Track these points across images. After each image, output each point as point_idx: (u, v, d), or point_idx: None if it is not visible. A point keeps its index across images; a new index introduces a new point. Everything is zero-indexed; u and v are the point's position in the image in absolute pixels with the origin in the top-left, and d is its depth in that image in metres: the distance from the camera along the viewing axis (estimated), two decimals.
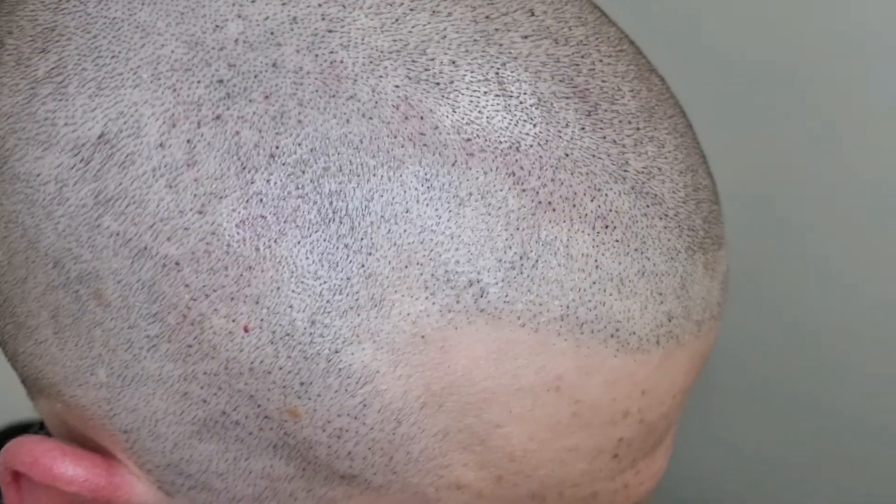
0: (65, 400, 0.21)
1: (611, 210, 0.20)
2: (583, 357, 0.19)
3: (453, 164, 0.18)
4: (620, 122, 0.20)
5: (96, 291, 0.19)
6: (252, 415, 0.19)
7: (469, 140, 0.19)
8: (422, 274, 0.18)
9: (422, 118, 0.18)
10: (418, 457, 0.20)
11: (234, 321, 0.18)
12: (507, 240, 0.19)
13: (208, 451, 0.20)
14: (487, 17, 0.20)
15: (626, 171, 0.20)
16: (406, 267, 0.18)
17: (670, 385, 0.21)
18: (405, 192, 0.18)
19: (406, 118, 0.18)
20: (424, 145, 0.18)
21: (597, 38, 0.21)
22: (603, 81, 0.20)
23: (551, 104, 0.19)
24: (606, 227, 0.19)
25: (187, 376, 0.19)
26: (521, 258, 0.19)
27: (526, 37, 0.20)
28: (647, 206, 0.20)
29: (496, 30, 0.20)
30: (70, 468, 0.21)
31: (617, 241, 0.20)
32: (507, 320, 0.19)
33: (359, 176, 0.18)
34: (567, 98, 0.20)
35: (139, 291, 0.19)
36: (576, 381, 0.20)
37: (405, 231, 0.18)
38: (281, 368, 0.19)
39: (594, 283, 0.19)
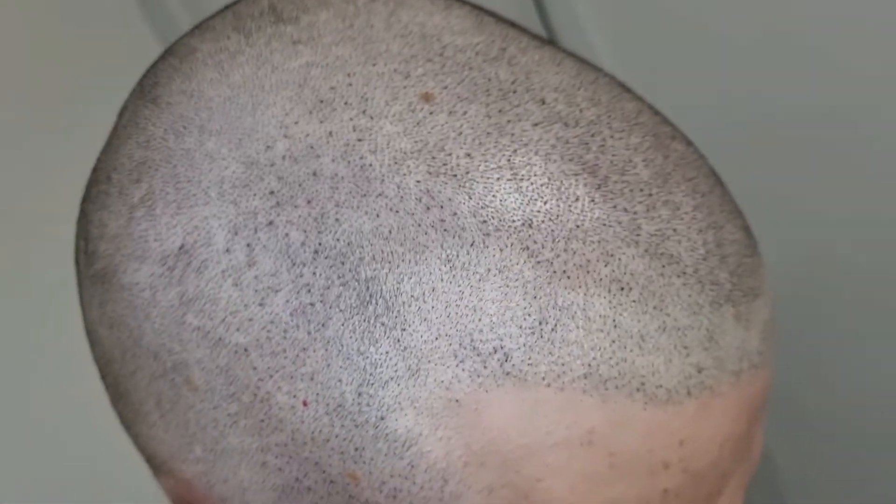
0: (175, 475, 0.24)
1: (625, 273, 0.21)
2: (611, 411, 0.21)
3: (472, 245, 0.21)
4: (631, 191, 0.22)
5: (187, 378, 0.22)
6: (320, 480, 0.22)
7: (485, 222, 0.21)
8: (450, 344, 0.20)
9: (441, 207, 0.21)
10: None
11: (294, 397, 0.21)
12: (525, 308, 0.21)
13: None
14: (500, 110, 0.22)
15: (638, 235, 0.21)
16: (436, 339, 0.20)
17: (713, 433, 0.22)
18: (430, 273, 0.21)
19: (428, 208, 0.21)
20: (445, 230, 0.21)
21: (609, 116, 0.23)
22: (613, 156, 0.22)
23: (561, 182, 0.21)
24: (622, 289, 0.21)
25: (263, 448, 0.22)
26: (540, 324, 0.21)
27: (536, 124, 0.22)
28: (663, 267, 0.22)
29: (508, 121, 0.22)
30: None
31: (634, 301, 0.21)
32: (533, 381, 0.21)
33: (390, 262, 0.21)
34: (577, 175, 0.22)
35: (219, 376, 0.22)
36: (608, 433, 0.21)
37: (433, 307, 0.21)
38: (337, 436, 0.21)
39: (613, 341, 0.21)
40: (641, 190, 0.22)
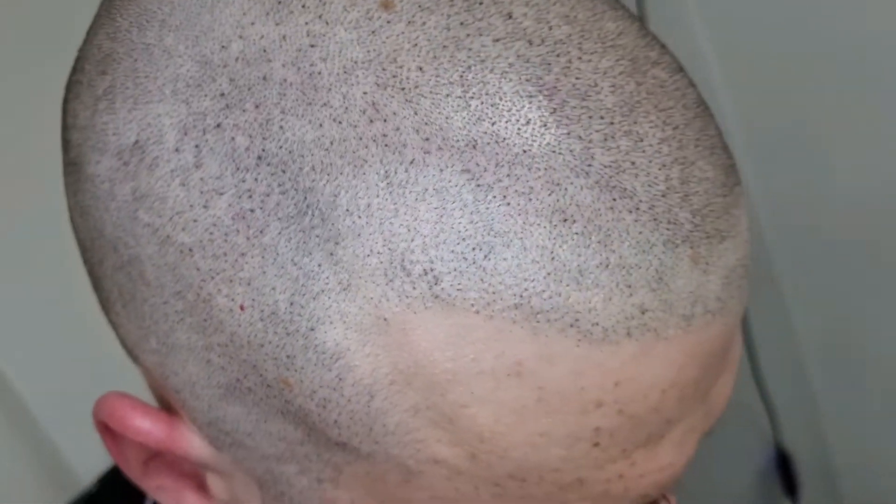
0: (140, 363, 0.25)
1: (570, 203, 0.20)
2: (542, 345, 0.20)
3: (411, 162, 0.20)
4: (590, 117, 0.21)
5: (140, 273, 0.23)
6: (258, 383, 0.22)
7: (428, 139, 0.20)
8: (381, 262, 0.20)
9: (385, 121, 0.20)
10: (394, 430, 0.22)
11: (233, 300, 0.21)
12: (460, 232, 0.20)
13: (235, 412, 0.23)
14: (462, 23, 0.21)
15: (590, 165, 0.20)
16: (368, 255, 0.20)
17: (655, 378, 0.22)
18: (367, 188, 0.20)
19: (371, 121, 0.20)
20: (386, 145, 0.20)
21: (581, 36, 0.22)
22: (577, 79, 0.21)
23: (513, 103, 0.20)
24: (565, 220, 0.20)
25: (207, 346, 0.22)
26: (473, 249, 0.20)
27: (497, 40, 0.21)
28: (614, 200, 0.21)
29: (467, 35, 0.21)
30: (138, 421, 0.25)
31: (576, 233, 0.20)
32: (462, 307, 0.20)
33: (328, 174, 0.20)
34: (531, 97, 0.21)
35: (167, 273, 0.22)
36: (537, 367, 0.21)
37: (366, 223, 0.20)
38: (270, 343, 0.21)
39: (549, 273, 0.20)
40: (602, 117, 0.21)
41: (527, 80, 0.21)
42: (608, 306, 0.21)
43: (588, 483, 0.23)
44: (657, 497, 0.25)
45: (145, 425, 0.25)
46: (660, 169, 0.21)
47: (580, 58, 0.21)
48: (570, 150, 0.20)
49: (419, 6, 0.21)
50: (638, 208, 0.21)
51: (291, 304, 0.21)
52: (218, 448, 0.25)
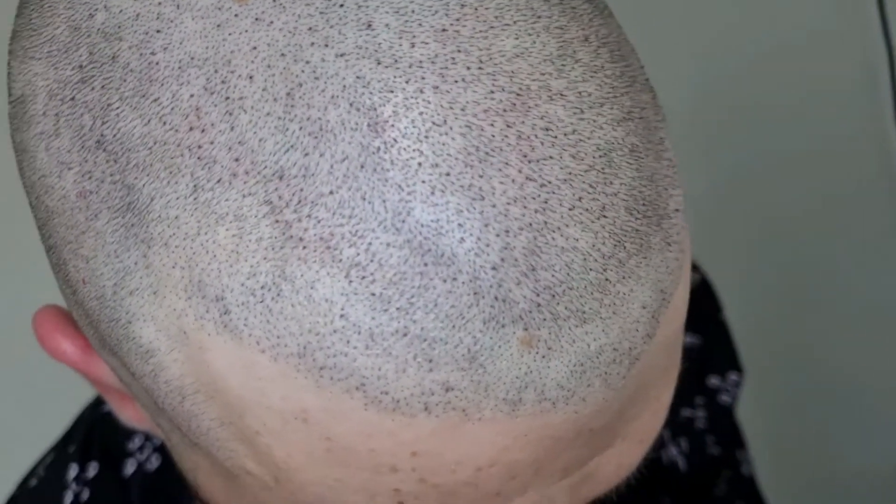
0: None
1: (372, 260, 0.18)
2: (326, 399, 0.19)
3: (218, 181, 0.19)
4: (420, 164, 0.18)
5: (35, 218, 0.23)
6: (108, 352, 0.23)
7: (237, 160, 0.18)
8: (183, 277, 0.19)
9: (203, 131, 0.19)
10: (207, 433, 0.21)
11: (78, 273, 0.21)
12: (252, 266, 0.18)
13: (111, 363, 0.24)
14: (311, 28, 0.18)
15: (403, 221, 0.18)
16: (173, 267, 0.19)
17: (464, 456, 0.19)
18: (178, 198, 0.19)
19: (191, 129, 0.19)
20: (199, 158, 0.19)
21: (450, 59, 0.18)
22: (420, 114, 0.18)
23: (334, 135, 0.18)
24: (363, 277, 0.18)
25: (74, 303, 0.23)
26: (262, 288, 0.18)
27: (341, 55, 0.18)
28: (425, 266, 0.18)
29: (312, 44, 0.18)
30: (60, 343, 0.26)
31: (373, 294, 0.18)
32: (248, 343, 0.19)
33: (148, 175, 0.19)
34: (354, 130, 0.18)
35: (42, 227, 0.23)
36: (323, 419, 0.19)
37: (173, 235, 0.19)
38: (102, 322, 0.21)
39: (336, 331, 0.18)
40: (436, 165, 0.18)
41: (356, 109, 0.18)
42: (401, 377, 0.18)
43: None
44: None
45: (66, 348, 0.26)
46: (497, 235, 0.18)
47: (436, 87, 0.18)
48: (383, 200, 0.18)
49: (275, 0, 0.19)
50: (455, 278, 0.18)
51: (114, 293, 0.21)
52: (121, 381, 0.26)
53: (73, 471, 0.38)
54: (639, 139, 0.20)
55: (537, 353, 0.19)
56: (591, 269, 0.19)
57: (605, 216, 0.19)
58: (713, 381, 0.48)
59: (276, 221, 0.18)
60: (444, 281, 0.18)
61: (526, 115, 0.18)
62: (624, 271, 0.19)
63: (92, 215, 0.20)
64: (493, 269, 0.18)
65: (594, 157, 0.19)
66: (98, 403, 0.40)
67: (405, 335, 0.18)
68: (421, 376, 0.18)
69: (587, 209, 0.19)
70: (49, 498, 0.38)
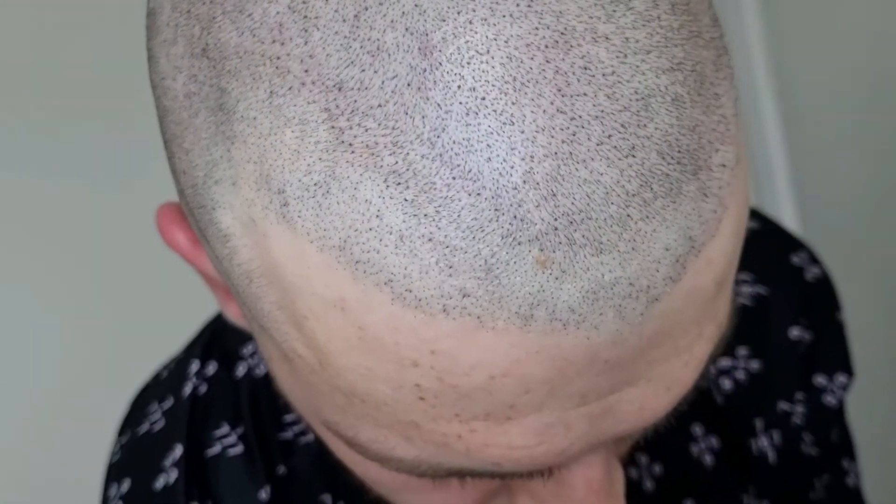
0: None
1: (408, 169, 0.20)
2: (360, 290, 0.21)
3: (289, 89, 0.21)
4: (459, 87, 0.20)
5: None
6: (203, 238, 0.26)
7: (307, 71, 0.21)
8: (255, 171, 0.22)
9: (283, 44, 0.21)
10: (268, 316, 0.24)
11: (180, 163, 0.25)
12: (309, 165, 0.21)
13: (209, 252, 0.27)
14: None
15: (438, 136, 0.20)
16: (248, 162, 0.22)
17: (478, 361, 0.21)
18: (258, 101, 0.22)
19: (273, 41, 0.21)
20: (276, 67, 0.21)
21: None
22: (466, 42, 0.20)
23: (389, 54, 0.20)
24: (399, 183, 0.20)
25: (180, 199, 0.26)
26: (315, 185, 0.21)
27: None
28: (454, 179, 0.20)
29: None
30: (176, 235, 0.30)
31: (406, 200, 0.20)
32: (301, 233, 0.21)
33: (237, 80, 0.22)
34: (406, 51, 0.20)
35: (161, 124, 0.26)
36: (358, 308, 0.21)
37: (251, 133, 0.22)
38: (195, 208, 0.25)
39: (371, 229, 0.20)
40: (473, 89, 0.20)
41: (410, 33, 0.20)
42: (424, 278, 0.20)
43: (424, 429, 0.23)
44: (525, 470, 0.24)
45: (179, 239, 0.30)
46: (522, 159, 0.20)
47: (485, 20, 0.20)
48: (423, 116, 0.20)
49: None
50: (479, 193, 0.20)
51: (204, 182, 0.24)
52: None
53: (194, 366, 0.43)
54: (685, 90, 0.21)
55: (550, 273, 0.20)
56: (612, 203, 0.20)
57: (633, 156, 0.20)
58: (819, 379, 0.47)
59: (332, 127, 0.21)
60: (469, 195, 0.20)
61: (567, 53, 0.20)
62: (648, 211, 0.20)
63: (193, 113, 0.24)
64: (515, 189, 0.20)
65: (630, 100, 0.20)
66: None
67: (430, 240, 0.20)
68: (441, 279, 0.20)
69: (615, 146, 0.20)
70: (172, 387, 0.43)
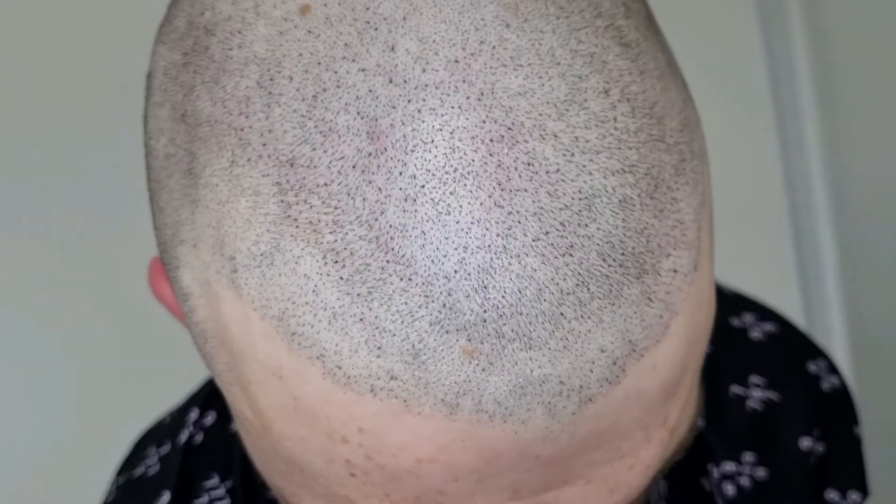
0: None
1: (345, 248, 0.20)
2: (295, 362, 0.21)
3: (248, 160, 0.22)
4: (401, 173, 0.20)
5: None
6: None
7: (265, 145, 0.22)
8: (212, 236, 0.23)
9: (247, 117, 0.22)
10: (220, 374, 0.25)
11: (156, 220, 0.26)
12: (258, 235, 0.22)
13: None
14: (346, 44, 0.21)
15: (376, 220, 0.20)
16: (207, 226, 0.23)
17: (405, 444, 0.21)
18: (220, 170, 0.22)
19: (239, 113, 0.22)
20: (239, 139, 0.22)
21: (453, 87, 0.20)
22: (412, 130, 0.20)
23: (339, 136, 0.21)
24: (336, 261, 0.20)
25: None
26: (261, 255, 0.21)
27: (362, 69, 0.21)
28: (387, 262, 0.20)
29: (343, 57, 0.21)
30: (164, 289, 0.31)
31: (341, 278, 0.20)
32: (246, 300, 0.22)
33: (206, 147, 0.23)
34: (355, 135, 0.20)
35: (147, 182, 0.27)
36: (293, 378, 0.22)
37: (212, 199, 0.23)
38: (165, 264, 0.25)
39: (308, 303, 0.21)
40: (414, 177, 0.20)
41: (361, 117, 0.21)
42: (353, 357, 0.21)
43: None
44: None
45: (165, 293, 0.30)
46: (455, 249, 0.20)
47: (433, 109, 0.20)
48: (364, 198, 0.20)
49: (326, 18, 0.22)
50: (411, 279, 0.20)
51: (172, 240, 0.25)
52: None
53: (193, 414, 0.44)
54: (636, 192, 0.21)
55: (477, 364, 0.20)
56: (544, 300, 0.20)
57: (570, 255, 0.20)
58: (831, 495, 0.45)
59: (282, 201, 0.21)
60: (401, 279, 0.20)
61: (511, 148, 0.20)
62: (584, 311, 0.20)
63: (169, 174, 0.25)
64: (446, 277, 0.20)
65: (573, 198, 0.20)
66: None
67: (361, 320, 0.20)
68: (370, 360, 0.21)
69: (552, 244, 0.20)
70: (171, 433, 0.44)
